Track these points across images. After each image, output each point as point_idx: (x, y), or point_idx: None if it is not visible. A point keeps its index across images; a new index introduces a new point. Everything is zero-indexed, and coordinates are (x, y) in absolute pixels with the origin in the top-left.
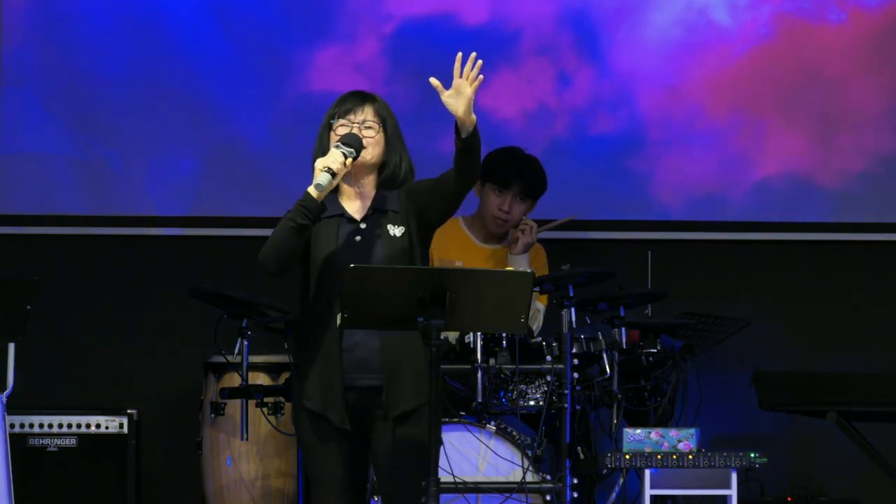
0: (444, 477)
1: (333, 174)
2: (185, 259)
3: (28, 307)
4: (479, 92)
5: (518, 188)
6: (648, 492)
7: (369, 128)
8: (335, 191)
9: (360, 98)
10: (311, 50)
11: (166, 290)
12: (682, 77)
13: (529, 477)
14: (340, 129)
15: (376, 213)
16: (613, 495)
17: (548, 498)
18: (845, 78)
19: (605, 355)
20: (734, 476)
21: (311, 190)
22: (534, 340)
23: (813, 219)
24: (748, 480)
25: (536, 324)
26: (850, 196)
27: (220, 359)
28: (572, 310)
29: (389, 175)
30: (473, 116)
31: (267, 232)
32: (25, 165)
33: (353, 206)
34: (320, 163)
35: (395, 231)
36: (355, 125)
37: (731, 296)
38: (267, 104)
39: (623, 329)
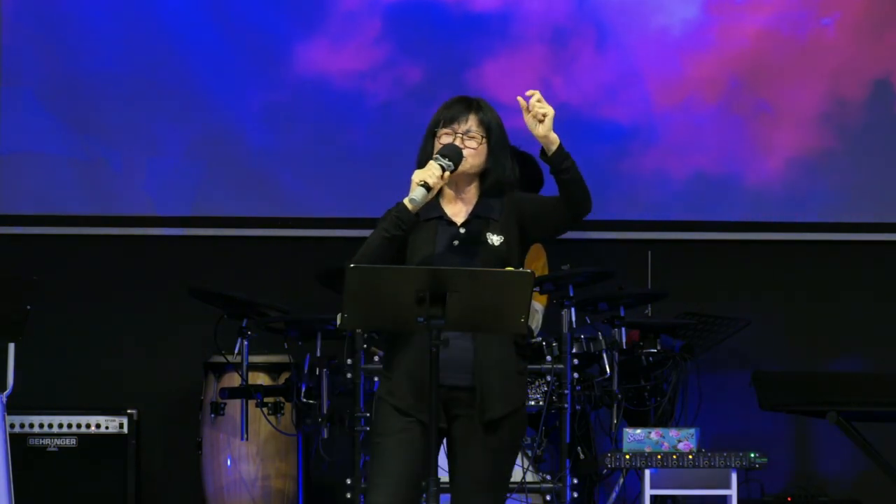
0: (445, 477)
1: (429, 188)
2: (185, 259)
3: (28, 307)
4: (478, 90)
5: None
6: (648, 492)
7: (472, 138)
8: (437, 193)
9: (465, 106)
10: (311, 47)
11: (166, 290)
12: (683, 77)
13: (529, 477)
14: (444, 137)
15: (478, 219)
16: (613, 495)
17: (548, 498)
18: (847, 78)
19: (605, 355)
20: (734, 476)
21: (407, 203)
22: (534, 340)
23: (813, 219)
24: (748, 480)
25: (535, 323)
26: (850, 196)
27: (220, 359)
28: (572, 310)
29: (493, 183)
30: (553, 135)
31: (266, 232)
32: (25, 165)
33: (453, 210)
34: (417, 176)
35: (494, 239)
36: (458, 135)
37: (731, 296)
38: (267, 104)
39: (623, 329)
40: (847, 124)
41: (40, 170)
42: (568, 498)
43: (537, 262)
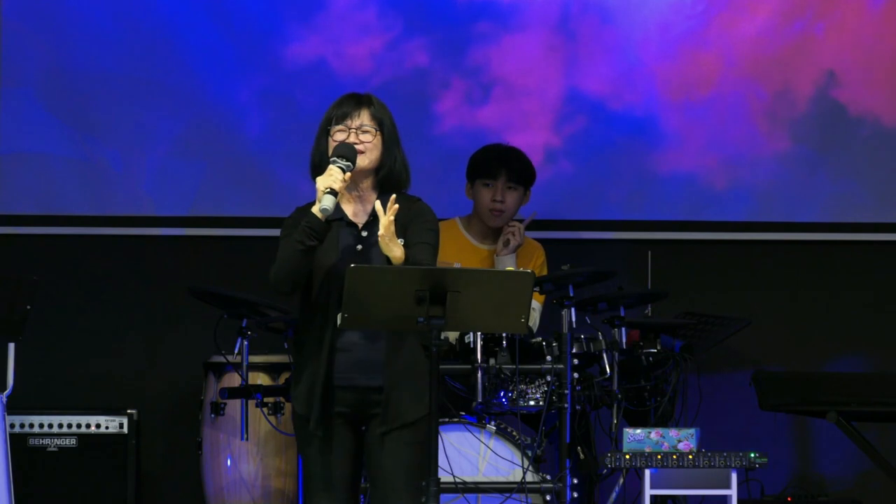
0: (445, 477)
1: (336, 194)
2: (185, 259)
3: (28, 307)
4: (479, 78)
5: (506, 175)
6: (648, 492)
7: (366, 132)
8: None
9: (356, 102)
10: (311, 47)
11: (166, 290)
12: (683, 77)
13: (529, 477)
14: (338, 134)
15: (377, 220)
16: (613, 495)
17: (548, 498)
18: (849, 85)
19: (605, 355)
20: (734, 476)
21: (317, 212)
22: (534, 340)
23: (813, 219)
24: (748, 480)
25: (532, 322)
26: (851, 195)
27: (220, 359)
28: (572, 310)
29: (385, 177)
30: (394, 251)
31: (266, 232)
32: (25, 165)
33: (353, 210)
34: (321, 184)
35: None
36: (352, 130)
37: (730, 296)
38: (268, 104)
39: (623, 329)
40: (849, 123)
41: (40, 170)
42: (568, 498)
43: (535, 262)
